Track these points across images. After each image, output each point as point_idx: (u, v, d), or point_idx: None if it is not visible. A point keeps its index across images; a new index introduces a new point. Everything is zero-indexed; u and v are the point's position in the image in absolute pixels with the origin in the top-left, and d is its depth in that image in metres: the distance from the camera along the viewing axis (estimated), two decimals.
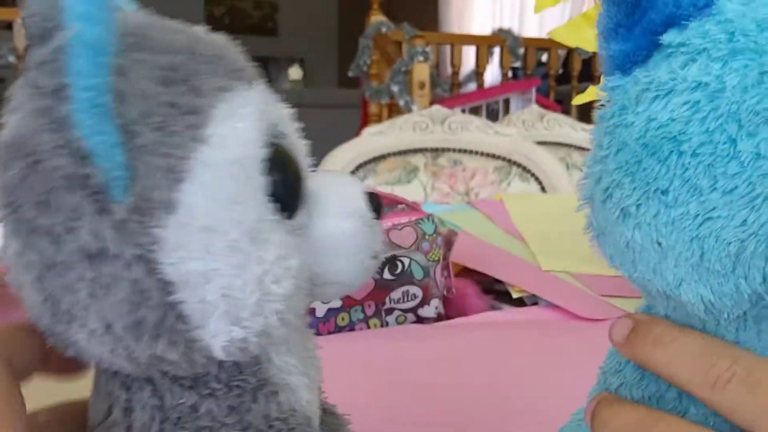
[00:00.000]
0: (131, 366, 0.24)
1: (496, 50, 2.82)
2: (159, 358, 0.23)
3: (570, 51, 2.82)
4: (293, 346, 0.28)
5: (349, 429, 0.33)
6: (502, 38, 2.74)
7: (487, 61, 2.78)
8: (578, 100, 0.72)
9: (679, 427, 0.25)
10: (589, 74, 2.72)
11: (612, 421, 0.27)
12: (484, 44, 2.76)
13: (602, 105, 0.27)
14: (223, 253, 0.23)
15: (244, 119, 0.24)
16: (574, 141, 1.73)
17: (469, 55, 2.98)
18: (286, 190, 0.25)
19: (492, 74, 3.17)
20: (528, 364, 0.62)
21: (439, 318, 0.75)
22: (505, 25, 3.03)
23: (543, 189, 1.55)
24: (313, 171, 0.28)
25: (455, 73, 2.72)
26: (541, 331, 0.73)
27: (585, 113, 2.52)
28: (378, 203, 0.28)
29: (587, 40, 0.74)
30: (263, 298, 0.23)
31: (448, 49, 2.93)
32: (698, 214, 0.23)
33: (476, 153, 1.57)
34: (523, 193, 1.50)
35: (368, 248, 0.28)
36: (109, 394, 0.26)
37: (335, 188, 0.28)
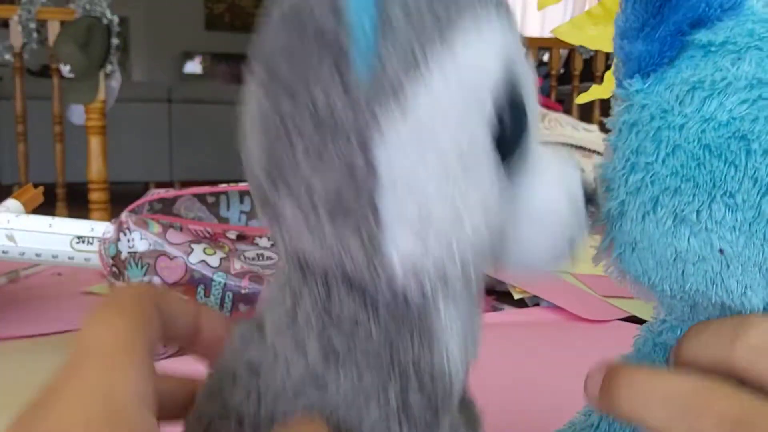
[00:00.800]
0: (317, 247, 0.24)
1: None
2: (343, 243, 0.24)
3: (571, 51, 2.81)
4: (461, 308, 0.27)
5: (483, 427, 0.32)
6: None
7: None
8: (581, 99, 0.72)
9: (742, 400, 0.22)
10: (590, 74, 2.71)
11: (653, 393, 0.23)
12: None
13: (624, 109, 0.26)
14: (434, 166, 0.23)
15: (491, 45, 0.24)
16: (575, 141, 1.72)
17: None
18: (508, 131, 0.24)
19: None
20: (529, 365, 0.62)
21: None
22: None
23: None
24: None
25: None
26: (542, 332, 0.72)
27: (586, 113, 2.52)
28: (592, 194, 0.27)
29: (590, 38, 0.73)
30: (453, 227, 0.23)
31: None
32: None
33: None
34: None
35: (567, 230, 0.26)
36: (287, 280, 0.26)
37: (557, 161, 0.27)
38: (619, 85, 0.26)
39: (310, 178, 0.23)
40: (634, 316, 0.75)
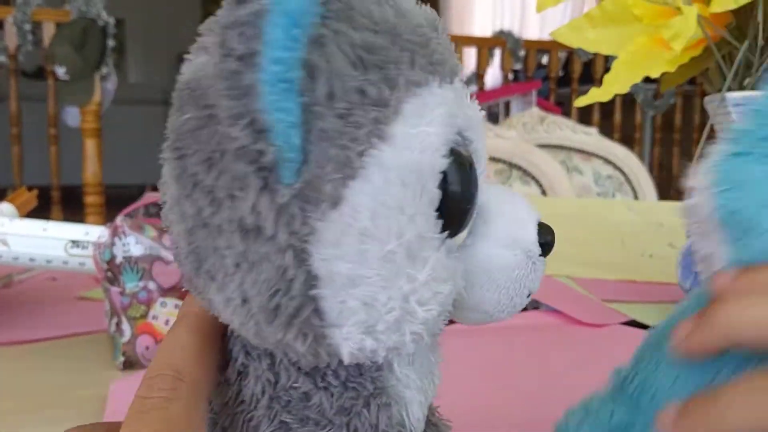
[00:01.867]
0: (257, 341, 0.23)
1: (497, 52, 2.82)
2: (286, 345, 0.22)
3: (570, 53, 2.81)
4: (417, 359, 0.26)
5: None
6: (502, 40, 2.73)
7: (488, 63, 2.77)
8: (580, 102, 0.71)
9: None
10: (589, 77, 2.71)
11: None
12: (484, 46, 2.75)
13: None
14: (376, 261, 0.21)
15: (432, 123, 0.22)
16: (574, 144, 1.72)
17: (469, 57, 2.97)
18: (457, 207, 0.23)
19: (493, 76, 3.17)
20: (528, 369, 0.61)
21: None
22: (506, 27, 3.02)
23: (543, 192, 1.54)
24: (488, 184, 0.26)
25: None
26: (541, 335, 0.72)
27: (585, 116, 2.51)
28: (549, 239, 0.26)
29: (589, 41, 0.73)
30: (404, 317, 0.22)
31: None
32: None
33: None
34: (523, 196, 1.49)
35: (524, 285, 0.26)
36: (229, 350, 0.25)
37: (507, 210, 0.26)
38: None
39: (241, 283, 0.22)
40: (635, 321, 0.75)
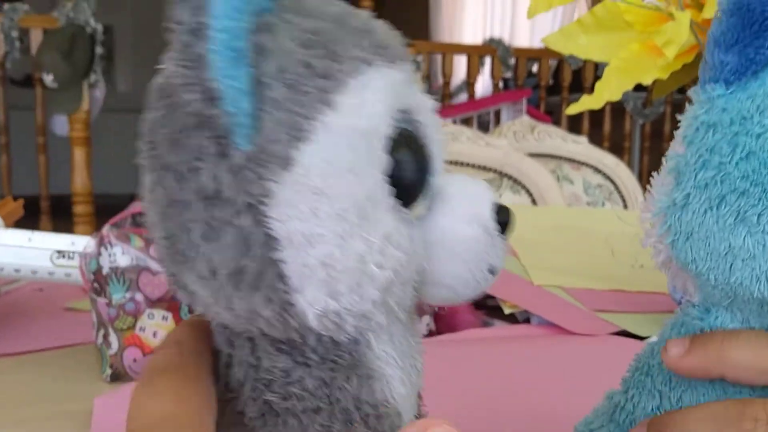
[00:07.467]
0: (230, 317, 0.25)
1: (487, 60, 2.82)
2: (254, 313, 0.24)
3: (560, 62, 2.82)
4: (396, 338, 0.27)
5: None
6: (493, 48, 2.74)
7: (478, 71, 2.78)
8: (572, 109, 0.71)
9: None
10: (579, 85, 2.72)
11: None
12: (475, 54, 2.76)
13: (704, 110, 0.27)
14: (330, 219, 0.23)
15: (376, 93, 0.24)
16: (564, 153, 1.72)
17: (459, 65, 2.97)
18: (407, 175, 0.25)
19: (483, 85, 3.17)
20: (519, 379, 0.61)
21: (431, 334, 0.73)
22: (496, 35, 3.03)
23: (534, 201, 1.54)
24: (447, 170, 0.29)
25: (446, 84, 2.72)
26: (532, 346, 0.71)
27: (575, 125, 2.52)
28: (507, 217, 0.27)
29: (580, 47, 0.73)
30: (362, 278, 0.24)
31: (439, 59, 2.93)
32: None
33: (467, 165, 1.56)
34: (513, 205, 1.49)
35: (483, 260, 0.27)
36: (217, 347, 0.27)
37: (464, 190, 0.28)
38: (702, 86, 0.28)
39: (209, 253, 0.23)
40: (626, 331, 0.75)
